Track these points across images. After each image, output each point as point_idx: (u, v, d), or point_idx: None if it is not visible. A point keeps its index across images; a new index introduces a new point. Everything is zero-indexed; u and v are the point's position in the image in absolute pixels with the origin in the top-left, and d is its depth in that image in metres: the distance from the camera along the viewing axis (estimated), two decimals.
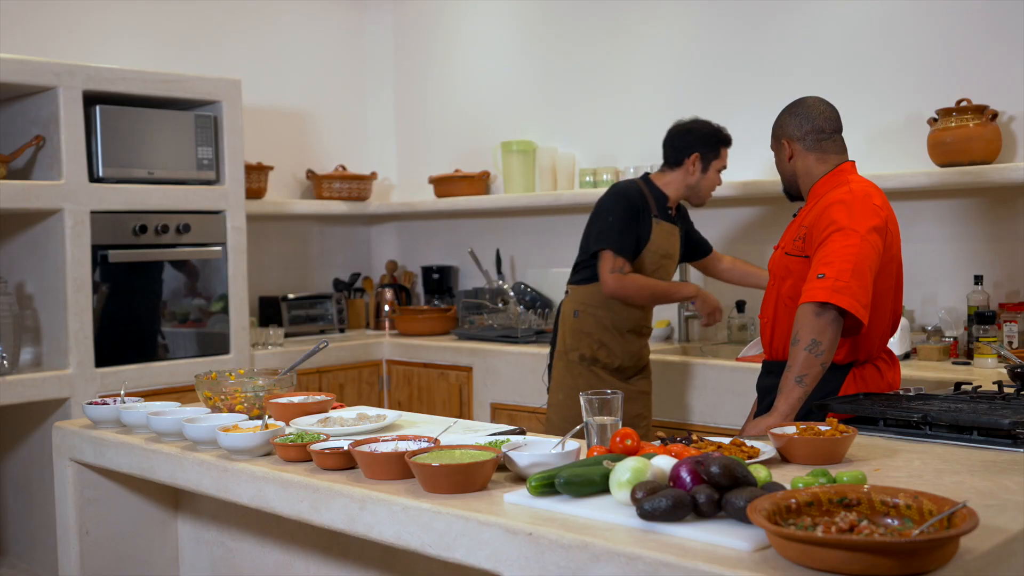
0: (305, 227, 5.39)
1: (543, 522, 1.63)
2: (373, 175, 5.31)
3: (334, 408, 2.59)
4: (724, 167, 3.50)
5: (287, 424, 2.37)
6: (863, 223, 2.42)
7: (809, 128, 2.62)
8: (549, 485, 1.74)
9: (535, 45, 4.98)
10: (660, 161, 4.51)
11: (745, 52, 4.22)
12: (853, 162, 2.65)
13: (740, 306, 4.22)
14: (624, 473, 1.64)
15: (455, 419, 2.63)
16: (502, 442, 2.05)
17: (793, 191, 2.73)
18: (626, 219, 3.35)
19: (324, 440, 2.16)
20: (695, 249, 3.71)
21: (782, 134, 2.68)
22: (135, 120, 4.01)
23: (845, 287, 2.33)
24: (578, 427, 2.01)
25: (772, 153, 2.76)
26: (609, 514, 1.62)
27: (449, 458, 1.87)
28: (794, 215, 2.71)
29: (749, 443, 2.00)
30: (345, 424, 2.37)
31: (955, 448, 2.10)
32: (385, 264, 5.59)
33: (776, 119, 2.73)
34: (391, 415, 2.48)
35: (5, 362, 3.65)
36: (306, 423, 2.36)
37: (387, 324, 5.22)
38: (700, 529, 1.51)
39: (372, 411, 2.54)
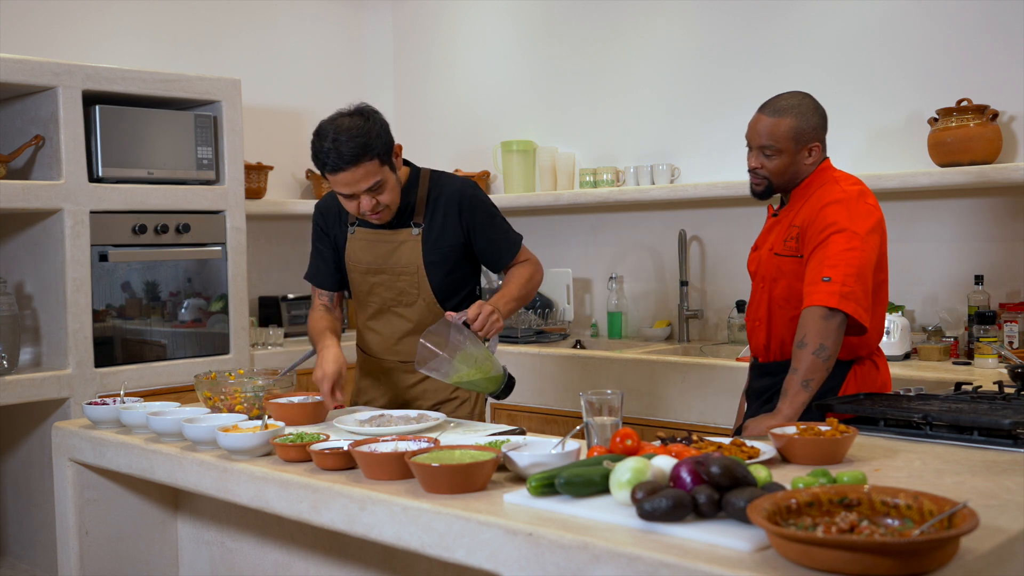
0: (305, 227, 5.34)
1: (543, 522, 1.62)
2: None
3: (334, 408, 2.60)
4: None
5: (288, 424, 2.37)
6: (862, 224, 2.41)
7: (826, 131, 2.57)
8: (549, 485, 1.73)
9: (535, 45, 4.97)
10: (659, 161, 4.54)
11: (745, 52, 4.22)
12: (828, 158, 2.62)
13: (740, 306, 4.22)
14: (624, 473, 1.64)
15: (455, 419, 2.63)
16: (502, 442, 2.05)
17: (781, 191, 2.60)
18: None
19: (324, 440, 2.16)
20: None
21: (814, 137, 2.52)
22: (134, 120, 4.01)
23: (851, 293, 2.33)
24: (578, 427, 2.01)
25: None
26: (609, 514, 1.62)
27: (449, 458, 1.87)
28: (774, 215, 2.66)
29: (749, 443, 2.00)
30: (394, 423, 2.41)
31: (956, 448, 2.10)
32: None
33: (802, 118, 2.50)
34: (434, 415, 2.46)
35: (4, 362, 3.65)
36: (353, 422, 2.39)
37: None
38: (700, 529, 1.51)
39: (414, 412, 2.52)
